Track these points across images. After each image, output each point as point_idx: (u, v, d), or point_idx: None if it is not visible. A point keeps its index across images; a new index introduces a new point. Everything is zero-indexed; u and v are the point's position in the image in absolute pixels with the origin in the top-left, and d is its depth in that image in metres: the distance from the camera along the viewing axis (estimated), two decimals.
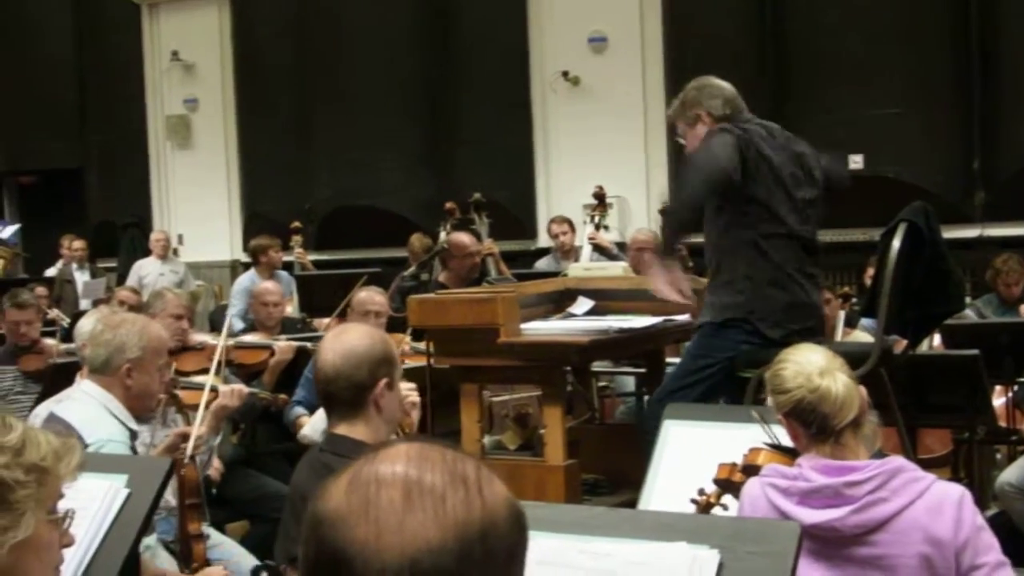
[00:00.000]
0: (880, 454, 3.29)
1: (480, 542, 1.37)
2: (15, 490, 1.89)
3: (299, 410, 6.09)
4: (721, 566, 2.21)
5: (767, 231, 4.83)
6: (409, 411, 3.79)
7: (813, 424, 3.09)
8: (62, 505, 2.03)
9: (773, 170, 4.83)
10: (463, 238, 7.93)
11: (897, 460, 3.05)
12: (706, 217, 4.98)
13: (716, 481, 3.36)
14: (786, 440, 3.30)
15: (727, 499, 3.36)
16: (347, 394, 3.28)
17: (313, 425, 3.73)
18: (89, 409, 4.00)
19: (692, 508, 3.38)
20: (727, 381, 4.87)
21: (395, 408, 3.42)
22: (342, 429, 3.32)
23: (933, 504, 2.95)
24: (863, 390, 3.19)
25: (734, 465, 3.33)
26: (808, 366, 3.12)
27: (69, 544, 2.06)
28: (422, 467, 1.40)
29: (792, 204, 4.88)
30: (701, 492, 3.38)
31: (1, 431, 1.94)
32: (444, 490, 1.38)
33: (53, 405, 4.65)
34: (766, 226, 4.83)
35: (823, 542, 2.99)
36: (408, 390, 3.82)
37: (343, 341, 3.34)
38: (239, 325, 8.24)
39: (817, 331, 4.94)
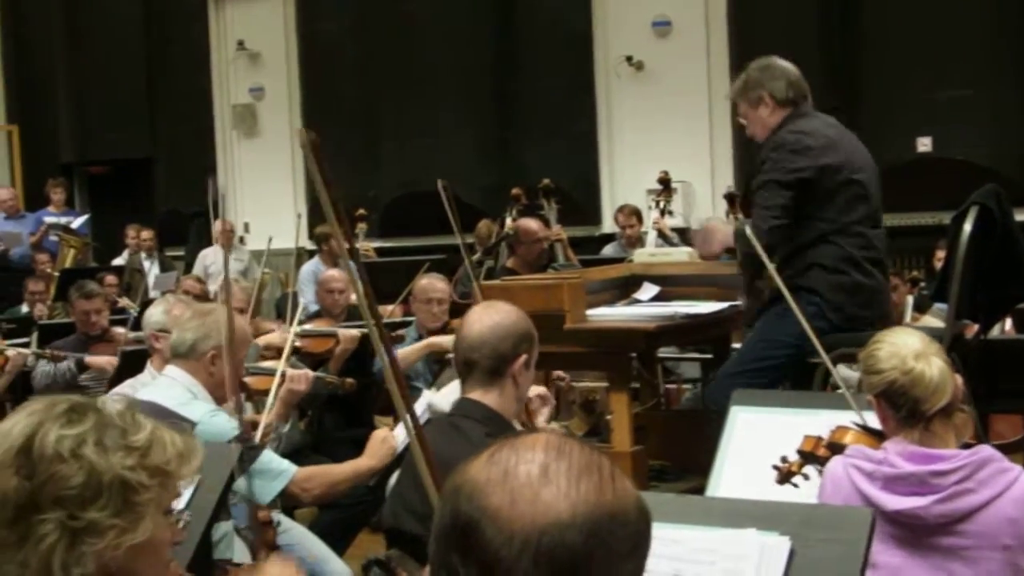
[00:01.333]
0: (967, 444, 3.24)
1: (608, 524, 1.42)
2: (139, 492, 1.89)
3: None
4: (792, 553, 2.20)
5: (835, 228, 4.79)
6: (538, 407, 3.83)
7: (903, 407, 3.04)
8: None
9: (843, 177, 4.79)
10: (531, 224, 7.93)
11: (986, 450, 2.99)
12: None
13: (800, 452, 3.34)
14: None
15: (808, 470, 3.35)
16: (489, 363, 3.39)
17: (445, 396, 3.81)
18: (177, 392, 4.07)
19: (773, 474, 3.38)
20: (792, 366, 4.83)
21: (527, 388, 3.53)
22: (475, 395, 3.42)
23: (1021, 496, 2.90)
24: (959, 379, 3.14)
25: (819, 439, 3.31)
26: (903, 348, 3.08)
27: (180, 542, 2.06)
28: (560, 453, 1.47)
29: (861, 201, 4.84)
30: (784, 460, 3.37)
31: (131, 428, 1.93)
32: (579, 473, 1.45)
33: (128, 391, 4.72)
34: (835, 225, 4.79)
35: (906, 529, 2.95)
36: (538, 391, 3.87)
37: (491, 313, 3.48)
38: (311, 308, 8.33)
39: (884, 318, 4.89)
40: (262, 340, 6.04)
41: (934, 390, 3.02)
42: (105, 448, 1.88)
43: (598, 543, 1.40)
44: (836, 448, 3.22)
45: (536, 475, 1.43)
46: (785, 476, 3.36)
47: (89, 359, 6.71)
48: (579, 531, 1.39)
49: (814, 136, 4.84)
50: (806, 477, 3.35)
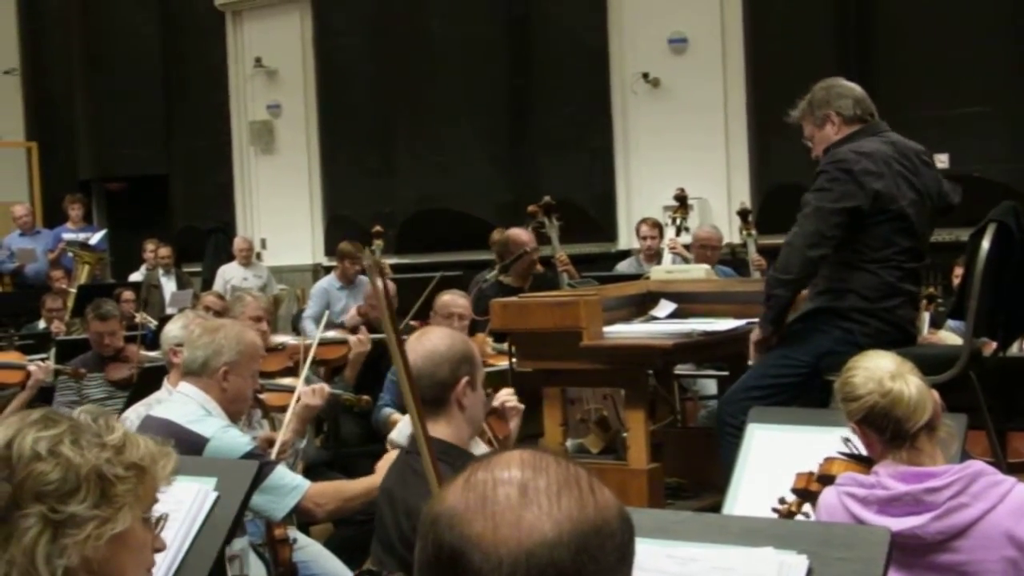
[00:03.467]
0: (966, 455, 3.23)
1: (594, 538, 1.41)
2: (116, 485, 1.95)
3: (388, 410, 6.12)
4: (810, 572, 2.19)
5: (876, 257, 4.77)
6: (511, 417, 3.79)
7: (887, 430, 3.05)
8: (156, 509, 2.08)
9: (893, 207, 4.76)
10: (522, 236, 7.93)
11: (976, 464, 2.99)
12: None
13: (794, 490, 3.34)
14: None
15: (808, 508, 3.34)
16: (430, 393, 3.28)
17: (399, 430, 3.76)
18: (190, 409, 4.08)
19: (774, 516, 3.37)
20: (808, 385, 4.81)
21: (478, 409, 3.43)
22: None
23: (1015, 507, 2.89)
24: (935, 393, 3.13)
25: (811, 474, 3.31)
26: (878, 371, 3.08)
27: (161, 548, 2.10)
28: (537, 470, 1.45)
29: (905, 235, 4.81)
30: (782, 501, 3.37)
31: (104, 430, 2.00)
32: (559, 489, 1.43)
33: (144, 408, 4.74)
34: (875, 254, 4.76)
35: (904, 550, 2.93)
36: (508, 395, 3.83)
37: (423, 343, 3.38)
38: (311, 328, 8.37)
39: (911, 343, 4.87)
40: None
41: (915, 407, 3.02)
42: (81, 446, 1.96)
43: (587, 558, 1.39)
44: (827, 480, 3.22)
45: (515, 496, 1.41)
46: (785, 517, 3.35)
47: None
48: (566, 548, 1.38)
49: (874, 159, 4.76)
50: (807, 516, 3.34)
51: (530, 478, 1.43)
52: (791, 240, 4.75)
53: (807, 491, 3.29)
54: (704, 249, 8.54)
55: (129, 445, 2.01)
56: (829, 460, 3.28)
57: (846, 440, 3.27)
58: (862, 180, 4.69)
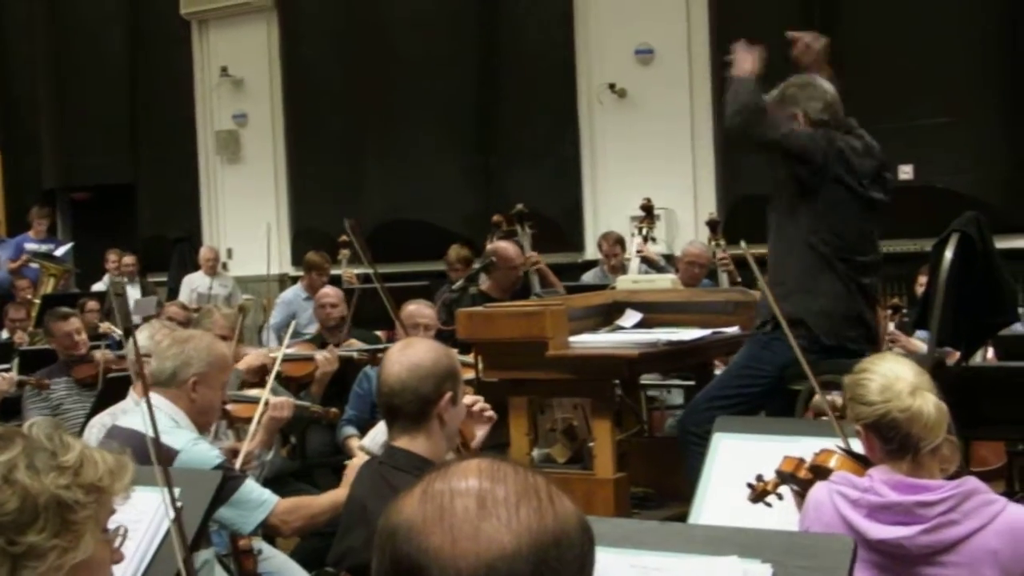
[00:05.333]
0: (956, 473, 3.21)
1: (553, 549, 1.39)
2: (76, 511, 1.89)
3: (349, 429, 6.10)
4: None
5: (830, 243, 4.79)
6: (479, 425, 3.77)
7: (894, 440, 3.00)
8: (115, 519, 2.03)
9: (852, 189, 4.79)
10: (509, 249, 7.93)
11: (972, 482, 2.97)
12: (772, 224, 4.95)
13: (779, 472, 3.31)
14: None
15: (783, 490, 3.33)
16: (412, 407, 3.27)
17: (373, 438, 3.74)
18: (159, 419, 4.04)
19: (747, 492, 3.36)
20: (772, 394, 4.83)
21: (457, 424, 3.41)
22: (403, 443, 3.31)
23: (1005, 529, 2.88)
24: (944, 407, 3.05)
25: (802, 460, 3.28)
26: (897, 383, 3.01)
27: (119, 561, 2.05)
28: (495, 479, 1.43)
29: (860, 224, 4.84)
30: (759, 478, 3.34)
31: (60, 450, 1.93)
32: (517, 500, 1.41)
33: (110, 419, 4.70)
34: (829, 239, 4.79)
35: (889, 558, 2.94)
36: (483, 404, 3.81)
37: (409, 355, 3.34)
38: (273, 341, 8.36)
39: (873, 343, 4.90)
40: (242, 364, 6.02)
41: (931, 428, 2.97)
42: (37, 470, 1.89)
43: (547, 570, 1.38)
44: (819, 471, 3.19)
45: (473, 508, 1.39)
46: (759, 495, 3.34)
47: None
48: (526, 561, 1.36)
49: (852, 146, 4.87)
50: (780, 497, 3.34)
51: (488, 488, 1.41)
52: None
53: (794, 475, 3.26)
54: (692, 266, 8.52)
55: (87, 464, 1.94)
56: (826, 452, 3.24)
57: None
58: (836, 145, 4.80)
